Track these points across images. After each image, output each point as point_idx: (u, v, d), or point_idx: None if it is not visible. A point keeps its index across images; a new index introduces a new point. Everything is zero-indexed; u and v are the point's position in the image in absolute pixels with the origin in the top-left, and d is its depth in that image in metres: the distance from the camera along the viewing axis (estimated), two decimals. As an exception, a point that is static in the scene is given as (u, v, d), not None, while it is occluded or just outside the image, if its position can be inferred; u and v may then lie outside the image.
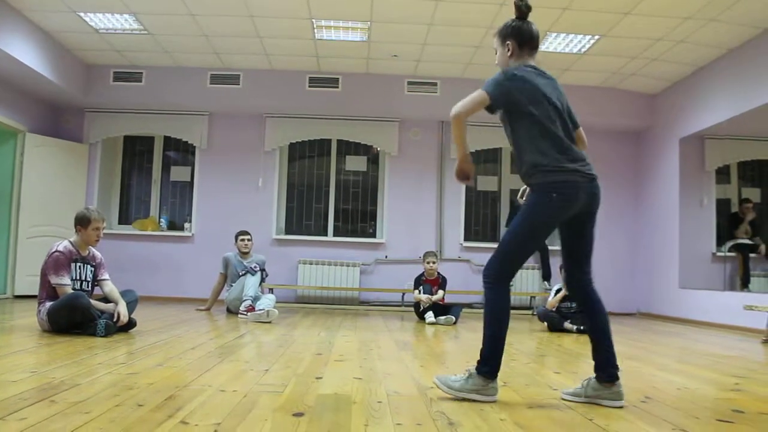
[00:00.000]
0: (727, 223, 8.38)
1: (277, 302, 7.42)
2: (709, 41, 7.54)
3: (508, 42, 3.08)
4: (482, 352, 2.90)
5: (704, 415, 2.73)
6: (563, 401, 2.88)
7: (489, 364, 2.86)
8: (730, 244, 8.22)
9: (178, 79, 9.28)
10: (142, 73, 9.27)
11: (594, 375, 2.85)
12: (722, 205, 8.53)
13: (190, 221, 9.70)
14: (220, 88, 9.35)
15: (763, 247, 7.98)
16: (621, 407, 2.76)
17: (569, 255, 2.99)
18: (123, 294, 5.08)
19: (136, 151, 10.20)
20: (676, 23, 7.09)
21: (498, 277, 2.98)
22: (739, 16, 6.84)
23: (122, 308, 4.87)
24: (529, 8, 3.04)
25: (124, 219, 10.05)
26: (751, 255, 8.04)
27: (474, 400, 2.79)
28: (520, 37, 3.03)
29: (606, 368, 2.81)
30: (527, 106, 2.90)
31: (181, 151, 10.21)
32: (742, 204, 8.31)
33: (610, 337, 2.87)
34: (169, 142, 10.08)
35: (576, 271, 2.96)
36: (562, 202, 2.82)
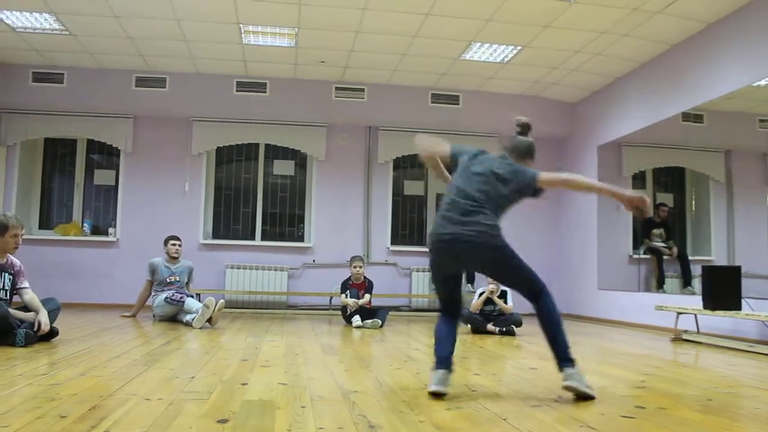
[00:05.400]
0: (642, 227, 8.77)
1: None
2: (624, 54, 7.92)
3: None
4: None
5: (610, 411, 2.91)
6: (480, 403, 3.01)
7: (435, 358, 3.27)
8: (644, 247, 8.63)
9: (101, 81, 9.09)
10: (63, 74, 9.05)
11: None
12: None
13: (115, 226, 9.51)
14: (146, 91, 9.21)
15: (675, 250, 8.40)
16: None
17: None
18: (44, 302, 4.96)
19: (57, 153, 9.92)
20: (593, 36, 7.41)
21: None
22: (650, 33, 7.24)
23: (43, 317, 4.77)
24: (522, 126, 3.67)
25: (45, 224, 9.75)
26: (664, 257, 8.45)
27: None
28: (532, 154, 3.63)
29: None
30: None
31: (105, 154, 9.99)
32: (658, 208, 8.72)
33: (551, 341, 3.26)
34: (93, 145, 9.85)
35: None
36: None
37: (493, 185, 3.34)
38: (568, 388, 3.13)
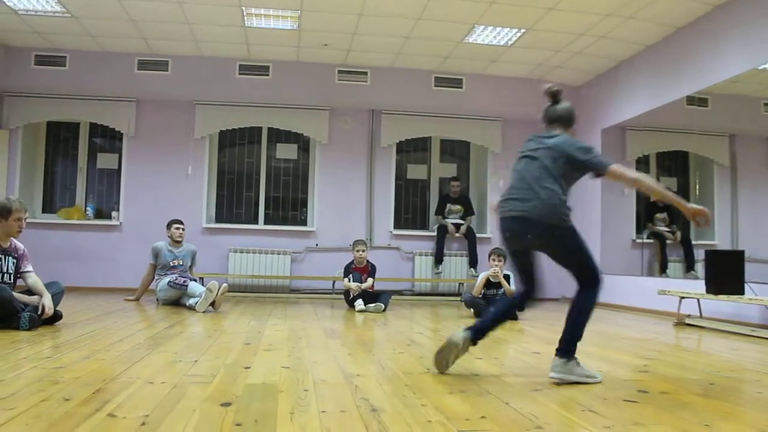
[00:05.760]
0: (646, 211, 8.76)
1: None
2: (629, 37, 7.87)
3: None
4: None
5: (612, 395, 2.92)
6: (482, 387, 3.02)
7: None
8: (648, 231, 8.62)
9: (104, 64, 9.06)
10: (65, 57, 9.02)
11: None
12: (642, 193, 8.90)
13: (118, 210, 9.52)
14: (148, 74, 9.18)
15: (678, 234, 8.39)
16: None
17: None
18: (48, 286, 4.99)
19: (60, 137, 9.91)
20: (597, 19, 7.36)
21: None
22: (655, 15, 7.18)
23: (47, 300, 4.80)
24: (554, 93, 3.58)
25: (48, 207, 9.76)
26: (667, 242, 8.44)
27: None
28: (570, 120, 3.59)
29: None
30: None
31: (108, 138, 9.97)
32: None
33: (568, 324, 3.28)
34: (96, 129, 9.83)
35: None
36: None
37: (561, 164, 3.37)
38: (551, 378, 3.18)
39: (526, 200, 3.30)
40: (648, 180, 3.40)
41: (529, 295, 3.55)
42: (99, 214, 9.71)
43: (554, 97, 3.57)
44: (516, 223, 3.34)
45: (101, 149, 9.99)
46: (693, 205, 3.26)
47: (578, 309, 3.28)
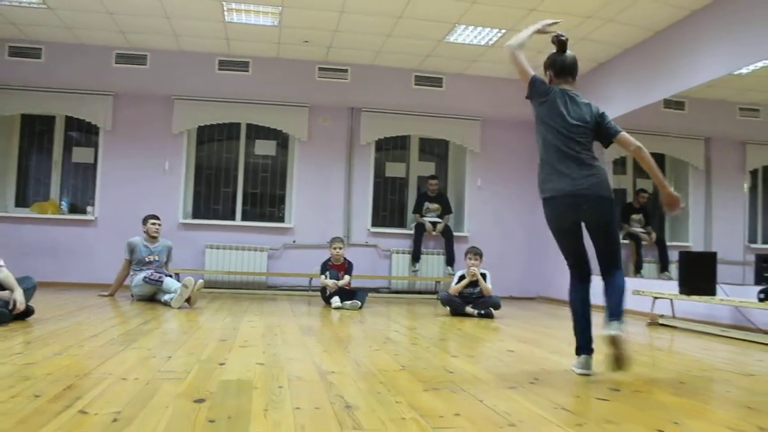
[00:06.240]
0: (622, 213, 8.84)
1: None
2: (608, 40, 7.94)
3: (547, 72, 3.69)
4: None
5: (585, 393, 2.95)
6: (457, 384, 3.03)
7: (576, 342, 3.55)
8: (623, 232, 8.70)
9: (80, 56, 8.94)
10: (41, 49, 8.88)
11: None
12: (618, 194, 8.98)
13: (93, 204, 9.42)
14: (126, 68, 9.08)
15: (653, 236, 8.48)
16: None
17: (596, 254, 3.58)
18: (20, 281, 4.91)
19: (35, 130, 9.77)
20: (578, 21, 7.41)
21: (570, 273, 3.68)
22: (634, 18, 7.25)
23: (18, 295, 4.73)
24: (563, 42, 3.63)
25: (21, 201, 9.62)
26: (642, 243, 8.53)
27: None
28: (555, 68, 3.65)
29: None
30: (543, 119, 3.57)
31: (84, 132, 9.85)
32: (637, 194, 8.79)
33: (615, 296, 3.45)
34: (72, 122, 9.71)
35: (601, 268, 3.57)
36: (549, 213, 3.56)
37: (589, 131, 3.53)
38: (612, 334, 3.26)
39: (587, 176, 3.43)
40: (647, 153, 3.52)
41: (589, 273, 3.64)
42: (74, 209, 9.59)
43: (562, 46, 3.63)
44: (578, 200, 3.42)
45: (77, 143, 9.87)
46: (672, 191, 3.46)
47: (622, 285, 3.47)
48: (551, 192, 3.49)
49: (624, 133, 3.59)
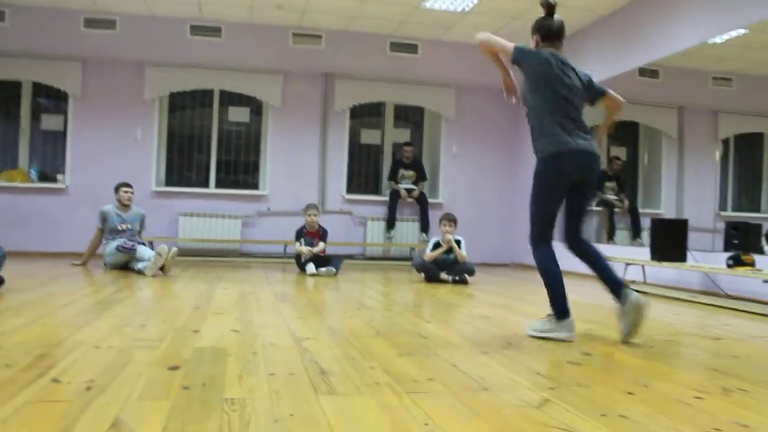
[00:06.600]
0: (597, 181, 8.89)
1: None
2: (585, 5, 7.93)
3: (534, 36, 3.68)
4: (550, 301, 3.57)
5: (557, 358, 2.99)
6: (431, 350, 3.06)
7: (555, 308, 3.54)
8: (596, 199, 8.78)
9: (47, 20, 8.73)
10: (4, 12, 8.65)
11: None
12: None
13: (64, 173, 9.26)
14: (95, 33, 8.90)
15: (626, 203, 8.57)
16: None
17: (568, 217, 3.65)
18: (-11, 249, 4.86)
19: (1, 96, 9.55)
20: (552, -13, 7.37)
21: (534, 239, 3.66)
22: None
23: (-11, 264, 4.67)
24: (552, 6, 3.60)
25: (-12, 170, 9.44)
26: (615, 210, 8.62)
27: (548, 338, 3.47)
28: (542, 32, 3.64)
29: (618, 290, 3.46)
30: (542, 81, 3.54)
31: (53, 99, 9.65)
32: (611, 161, 8.85)
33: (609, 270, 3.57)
34: (40, 89, 9.49)
35: (570, 232, 3.67)
36: (555, 168, 3.48)
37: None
38: (640, 307, 3.37)
39: (590, 136, 3.55)
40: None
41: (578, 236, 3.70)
42: (44, 177, 9.42)
43: (551, 9, 3.63)
44: (588, 157, 3.50)
45: (46, 110, 9.66)
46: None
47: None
48: (565, 146, 3.44)
49: (611, 91, 3.77)
